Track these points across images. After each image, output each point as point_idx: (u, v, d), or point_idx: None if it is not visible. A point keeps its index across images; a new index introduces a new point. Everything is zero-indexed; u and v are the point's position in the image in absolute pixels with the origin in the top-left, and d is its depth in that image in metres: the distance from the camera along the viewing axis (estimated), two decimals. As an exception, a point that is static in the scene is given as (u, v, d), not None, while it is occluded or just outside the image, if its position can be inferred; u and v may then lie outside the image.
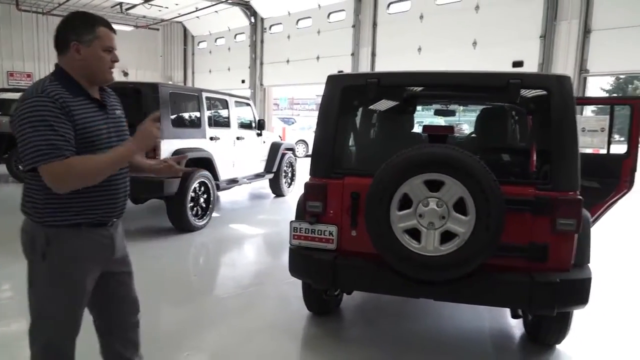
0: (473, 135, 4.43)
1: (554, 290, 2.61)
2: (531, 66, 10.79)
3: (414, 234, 2.62)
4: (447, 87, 3.12)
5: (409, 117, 3.61)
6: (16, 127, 1.74)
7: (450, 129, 2.82)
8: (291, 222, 3.08)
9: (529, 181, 2.80)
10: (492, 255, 2.59)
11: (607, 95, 37.35)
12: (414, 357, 3.10)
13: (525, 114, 3.48)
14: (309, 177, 3.11)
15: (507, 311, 3.42)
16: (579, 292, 2.69)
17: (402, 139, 3.64)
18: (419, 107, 6.34)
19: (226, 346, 3.20)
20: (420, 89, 3.16)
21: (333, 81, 3.11)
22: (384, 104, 3.58)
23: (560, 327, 3.07)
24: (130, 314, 2.19)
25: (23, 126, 1.72)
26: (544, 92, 2.79)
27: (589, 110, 10.45)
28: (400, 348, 3.21)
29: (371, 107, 3.73)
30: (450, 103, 4.18)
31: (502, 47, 11.32)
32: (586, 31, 10.11)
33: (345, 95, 3.08)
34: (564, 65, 10.29)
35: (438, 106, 5.20)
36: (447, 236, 2.57)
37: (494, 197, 2.47)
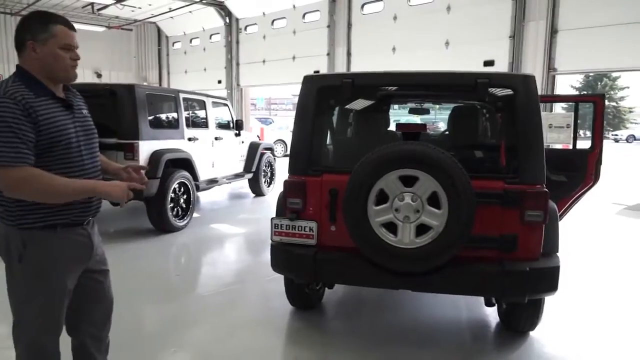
0: (446, 132, 4.58)
1: (524, 278, 2.74)
2: (502, 65, 11.13)
3: (391, 227, 2.72)
4: (419, 87, 3.23)
5: (384, 116, 3.73)
6: None
7: (422, 126, 2.93)
8: (272, 218, 3.15)
9: (498, 175, 2.91)
10: (464, 246, 2.71)
11: (576, 92, 38.46)
12: (394, 346, 3.21)
13: (494, 112, 3.63)
14: (288, 174, 3.18)
15: (483, 301, 3.56)
16: (548, 280, 2.83)
17: (378, 136, 3.74)
18: (398, 106, 6.47)
19: (210, 342, 3.26)
20: (393, 88, 3.26)
21: (309, 82, 3.19)
22: (359, 104, 3.68)
23: (532, 315, 3.21)
24: (105, 313, 2.20)
25: None
26: (510, 91, 2.92)
27: (559, 107, 10.78)
28: (381, 338, 3.32)
29: (347, 106, 3.82)
30: (423, 102, 4.30)
31: (474, 46, 11.58)
32: (553, 31, 10.44)
33: (322, 95, 3.17)
34: (532, 64, 10.61)
35: (413, 105, 5.34)
36: (422, 229, 2.68)
37: (464, 191, 2.59)
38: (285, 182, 3.15)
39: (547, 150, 3.95)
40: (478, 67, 11.11)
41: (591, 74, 38.36)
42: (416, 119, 11.13)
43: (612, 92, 41.39)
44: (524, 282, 2.76)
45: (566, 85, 36.89)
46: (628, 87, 42.33)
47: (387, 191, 2.69)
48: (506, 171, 3.00)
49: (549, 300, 3.71)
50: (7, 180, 1.73)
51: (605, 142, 4.29)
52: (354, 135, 4.11)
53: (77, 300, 2.05)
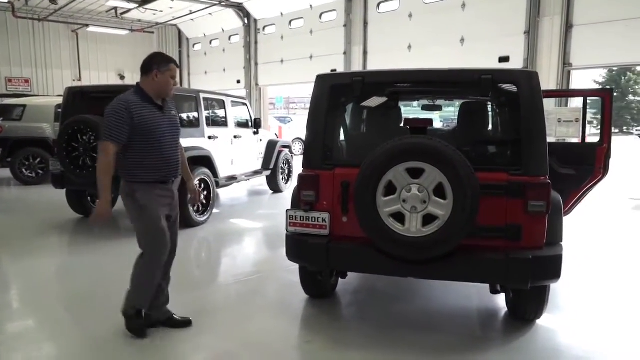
0: (455, 127, 4.68)
1: (526, 266, 2.86)
2: (517, 61, 11.12)
3: (399, 217, 2.87)
4: (426, 84, 3.36)
5: (393, 112, 3.86)
6: (105, 114, 2.92)
7: (429, 121, 3.05)
8: (287, 210, 3.33)
9: (503, 168, 3.02)
10: (471, 236, 2.84)
11: (599, 87, 37.71)
12: (401, 332, 3.35)
13: (498, 107, 3.72)
14: (302, 169, 3.36)
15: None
16: (551, 268, 2.95)
17: (388, 132, 3.87)
18: (414, 104, 6.57)
19: (229, 325, 3.47)
20: (401, 85, 3.40)
21: (322, 80, 3.36)
22: (368, 100, 3.81)
23: (537, 304, 3.31)
24: (174, 249, 3.28)
25: (108, 115, 2.91)
26: (514, 87, 3.04)
27: (575, 102, 10.73)
28: (390, 325, 3.46)
29: (357, 103, 3.98)
30: (433, 99, 4.41)
31: (489, 43, 11.62)
32: (568, 26, 10.43)
33: (334, 93, 3.33)
34: (548, 59, 10.61)
35: (425, 102, 5.44)
36: (428, 219, 2.83)
37: (469, 182, 2.72)
38: (300, 176, 3.33)
39: (556, 144, 4.05)
40: (493, 64, 11.13)
41: (615, 69, 37.57)
42: (433, 116, 11.16)
43: (636, 87, 40.39)
44: (526, 269, 2.87)
45: (589, 79, 36.23)
46: (653, 82, 41.26)
47: (395, 183, 2.84)
48: (510, 163, 3.10)
49: (557, 291, 3.81)
50: (99, 149, 2.98)
51: (628, 138, 4.27)
52: (364, 131, 4.26)
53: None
